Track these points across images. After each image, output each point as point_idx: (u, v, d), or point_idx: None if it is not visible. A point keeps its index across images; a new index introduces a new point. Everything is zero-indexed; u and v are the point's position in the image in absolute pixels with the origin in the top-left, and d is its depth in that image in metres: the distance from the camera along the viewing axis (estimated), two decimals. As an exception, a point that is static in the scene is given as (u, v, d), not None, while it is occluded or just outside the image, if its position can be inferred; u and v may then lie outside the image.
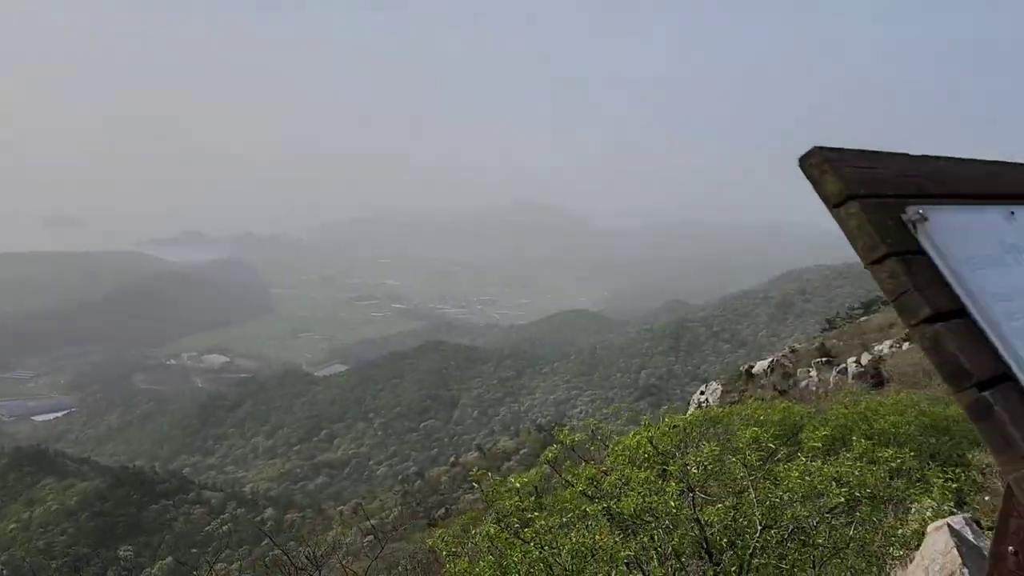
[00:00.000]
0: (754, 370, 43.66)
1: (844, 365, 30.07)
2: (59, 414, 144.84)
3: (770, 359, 44.78)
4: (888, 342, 34.57)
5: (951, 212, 1.55)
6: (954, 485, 8.77)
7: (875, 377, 26.40)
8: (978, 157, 1.85)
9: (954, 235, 1.47)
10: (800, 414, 12.96)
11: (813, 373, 35.00)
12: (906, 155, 1.65)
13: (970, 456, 12.25)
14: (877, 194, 1.44)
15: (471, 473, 8.82)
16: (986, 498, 9.60)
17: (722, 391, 40.27)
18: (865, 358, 31.57)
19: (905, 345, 32.06)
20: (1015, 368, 1.31)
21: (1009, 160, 1.95)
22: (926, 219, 1.43)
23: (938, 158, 1.73)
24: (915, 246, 1.40)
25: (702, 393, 41.82)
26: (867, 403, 13.58)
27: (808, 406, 16.44)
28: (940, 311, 1.33)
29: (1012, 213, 1.67)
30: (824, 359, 37.10)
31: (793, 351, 45.72)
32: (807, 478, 6.23)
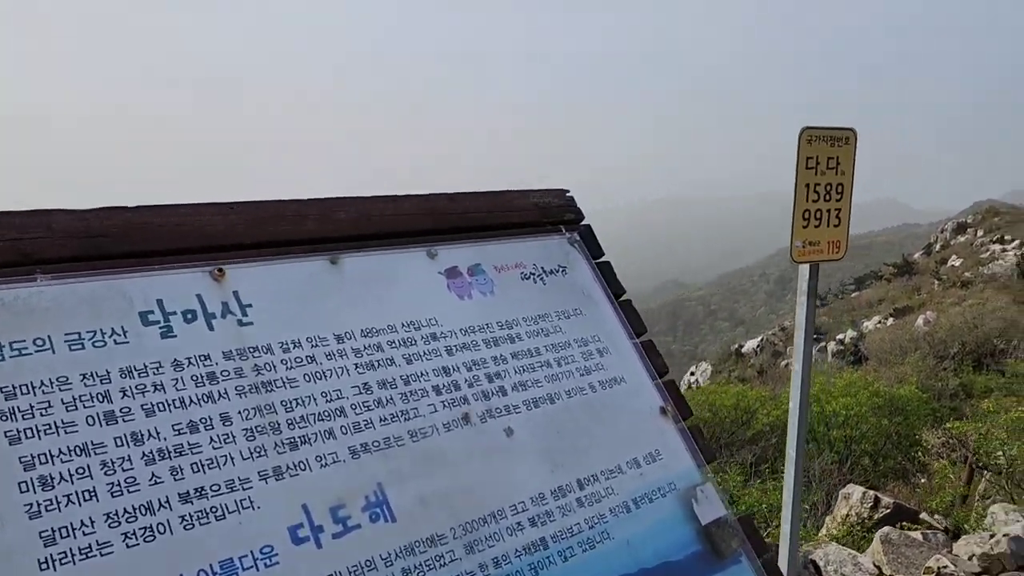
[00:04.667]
0: (744, 349, 43.85)
1: (824, 344, 30.25)
2: None
3: (760, 338, 44.92)
4: (876, 318, 34.75)
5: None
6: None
7: (855, 355, 26.56)
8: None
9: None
10: (754, 398, 13.15)
11: (801, 351, 35.12)
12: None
13: (921, 435, 12.51)
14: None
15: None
16: (923, 480, 9.83)
17: (712, 371, 40.47)
18: (849, 335, 31.74)
19: (890, 321, 32.27)
20: None
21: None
22: None
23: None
24: None
25: (692, 374, 42.00)
26: (820, 385, 13.77)
27: (765, 388, 16.67)
28: None
29: None
30: (814, 336, 37.26)
31: (783, 329, 45.79)
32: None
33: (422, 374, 1.69)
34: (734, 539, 1.85)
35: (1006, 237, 39.74)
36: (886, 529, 4.76)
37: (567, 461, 1.75)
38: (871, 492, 7.46)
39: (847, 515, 7.32)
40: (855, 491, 7.52)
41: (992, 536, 4.54)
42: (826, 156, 3.28)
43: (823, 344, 30.24)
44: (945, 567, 4.03)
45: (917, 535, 4.90)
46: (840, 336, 32.64)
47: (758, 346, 42.53)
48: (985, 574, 4.28)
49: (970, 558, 4.42)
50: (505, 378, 1.79)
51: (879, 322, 33.16)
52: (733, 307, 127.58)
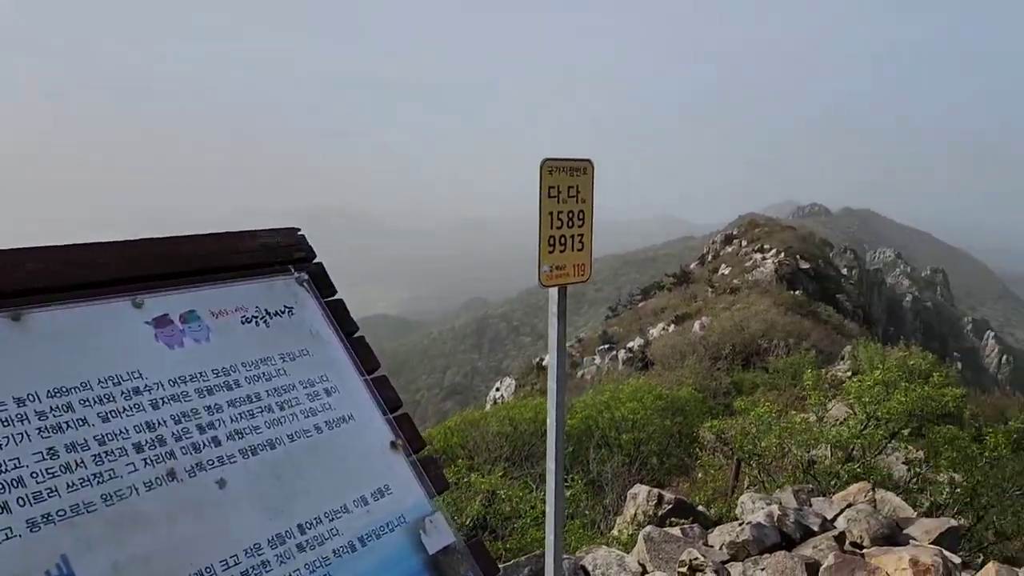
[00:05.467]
0: (544, 363, 45.39)
1: (616, 352, 32.09)
2: None
3: (559, 350, 46.68)
4: (660, 325, 37.38)
5: None
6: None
7: (642, 360, 28.34)
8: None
9: None
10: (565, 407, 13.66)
11: (597, 360, 37.08)
12: None
13: (699, 431, 13.52)
14: None
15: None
16: (699, 475, 10.62)
17: (516, 385, 41.58)
18: (637, 342, 33.92)
19: (671, 328, 34.83)
20: None
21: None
22: None
23: None
24: None
25: (497, 389, 42.92)
26: (610, 391, 14.56)
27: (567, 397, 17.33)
28: None
29: None
30: (607, 346, 39.40)
31: (580, 340, 48.03)
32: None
33: (120, 432, 1.60)
34: (462, 564, 1.92)
35: (766, 246, 44.39)
36: (648, 528, 5.13)
37: (287, 507, 1.73)
38: (655, 490, 7.96)
39: (635, 514, 7.76)
40: (641, 491, 7.98)
41: (740, 524, 5.04)
42: (567, 185, 3.51)
43: (615, 352, 32.02)
44: (696, 559, 4.42)
45: (676, 531, 5.32)
46: (630, 344, 34.77)
47: (558, 358, 44.15)
48: (733, 560, 4.74)
49: (721, 547, 4.88)
50: (219, 428, 1.74)
51: (663, 329, 35.67)
52: (534, 322, 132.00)
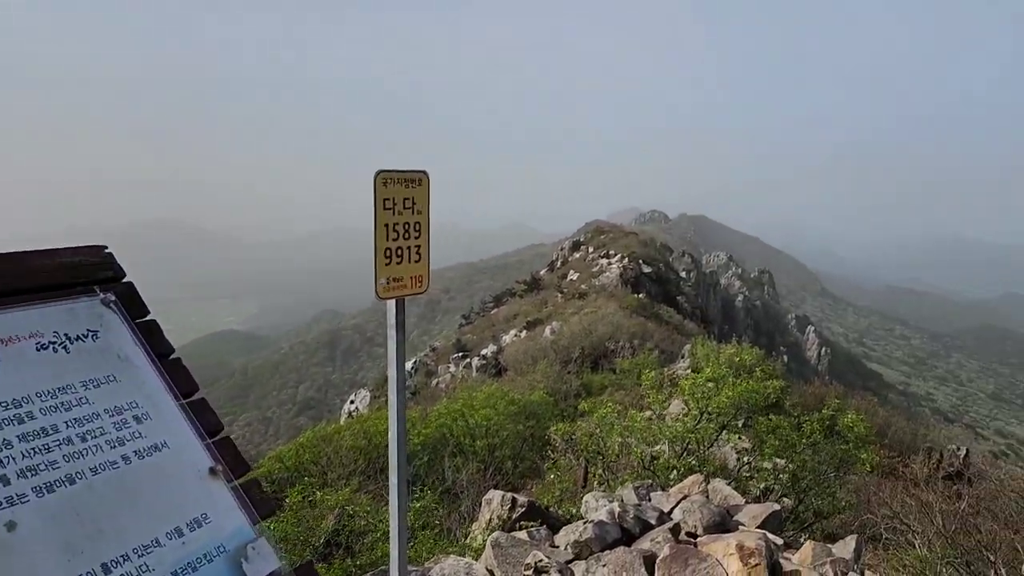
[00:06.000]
0: (399, 373, 44.92)
1: (470, 360, 32.30)
2: None
3: (413, 360, 46.50)
4: (513, 331, 37.97)
5: None
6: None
7: (496, 367, 28.68)
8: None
9: None
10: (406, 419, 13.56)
11: (452, 368, 37.14)
12: None
13: (553, 430, 13.80)
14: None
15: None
16: (550, 477, 10.82)
17: (371, 397, 40.90)
18: (491, 349, 34.31)
19: (524, 334, 35.46)
20: None
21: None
22: None
23: None
24: None
25: (352, 402, 42.05)
26: (464, 399, 14.63)
27: (418, 408, 17.28)
28: None
29: None
30: (461, 354, 39.54)
31: (434, 349, 47.97)
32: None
33: None
34: (288, 590, 1.86)
35: (611, 252, 46.20)
36: (495, 534, 5.18)
37: (89, 546, 1.62)
38: (509, 495, 8.04)
39: (490, 520, 7.81)
40: (495, 496, 8.03)
41: (584, 523, 5.20)
42: (402, 197, 3.50)
43: (469, 360, 32.21)
44: (540, 561, 4.52)
45: (523, 535, 5.42)
46: (483, 351, 35.10)
47: (412, 368, 43.95)
48: (577, 559, 4.89)
49: (566, 547, 5.02)
50: (8, 465, 1.60)
51: (515, 335, 36.27)
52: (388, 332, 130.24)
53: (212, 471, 1.94)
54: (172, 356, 2.10)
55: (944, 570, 6.40)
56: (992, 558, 6.32)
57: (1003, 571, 6.18)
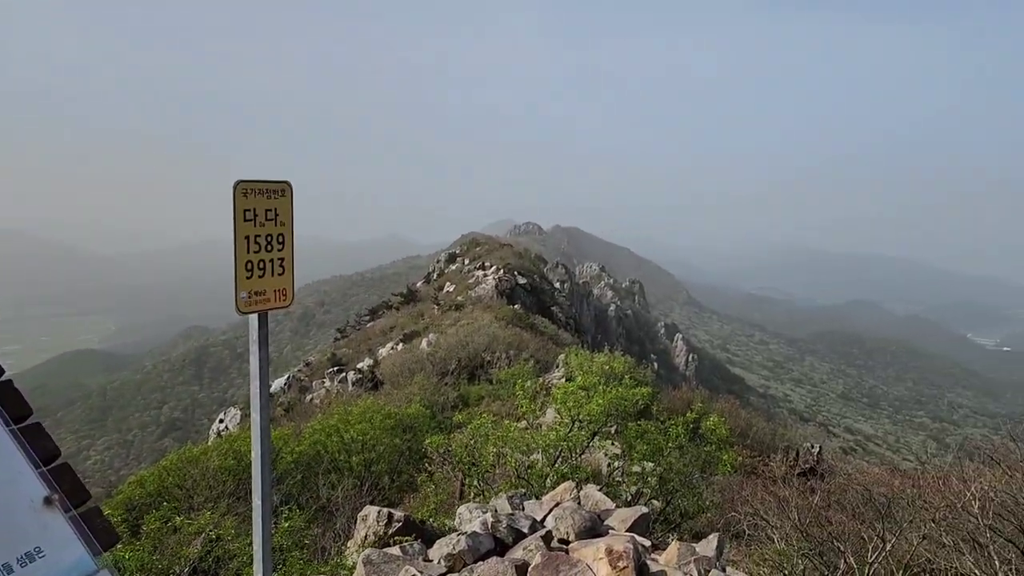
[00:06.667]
0: (272, 389, 43.53)
1: (345, 374, 31.72)
2: None
3: (287, 376, 45.11)
4: (390, 344, 37.52)
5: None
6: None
7: (372, 380, 28.25)
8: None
9: None
10: (277, 437, 13.12)
11: (327, 383, 36.23)
12: None
13: (428, 443, 13.70)
14: None
15: None
16: (428, 490, 10.73)
17: (241, 416, 39.30)
18: (367, 363, 33.75)
19: (400, 347, 35.12)
20: None
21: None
22: None
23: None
24: None
25: (221, 421, 40.29)
26: (339, 414, 14.35)
27: (291, 426, 16.81)
28: None
29: None
30: (336, 368, 38.65)
31: (308, 364, 46.72)
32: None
33: None
34: (133, 623, 1.76)
35: (486, 264, 46.57)
36: (367, 551, 5.10)
37: (-102, 591, 1.47)
38: (386, 510, 7.89)
39: (365, 536, 7.66)
40: (371, 512, 7.88)
41: (458, 535, 5.20)
42: (264, 208, 3.39)
43: (344, 374, 31.61)
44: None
45: (396, 550, 5.35)
46: (359, 364, 34.50)
47: (285, 383, 42.61)
48: (450, 572, 4.88)
49: (439, 561, 5.00)
50: None
51: (392, 348, 35.90)
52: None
53: (47, 500, 1.80)
54: (2, 378, 1.95)
55: (800, 562, 6.82)
56: (842, 548, 6.79)
57: (851, 560, 6.65)
